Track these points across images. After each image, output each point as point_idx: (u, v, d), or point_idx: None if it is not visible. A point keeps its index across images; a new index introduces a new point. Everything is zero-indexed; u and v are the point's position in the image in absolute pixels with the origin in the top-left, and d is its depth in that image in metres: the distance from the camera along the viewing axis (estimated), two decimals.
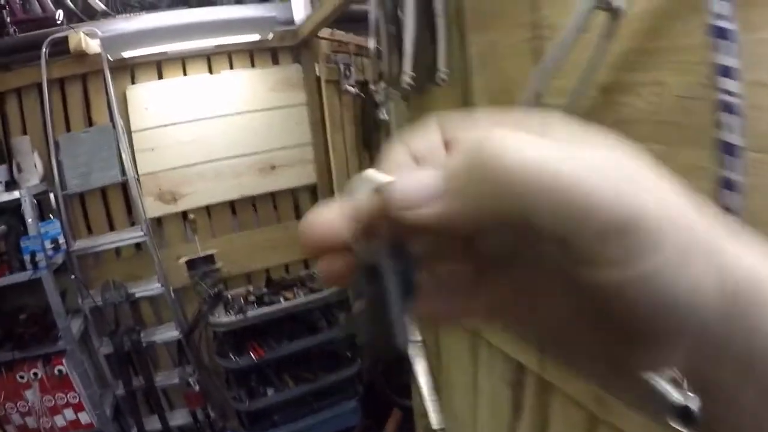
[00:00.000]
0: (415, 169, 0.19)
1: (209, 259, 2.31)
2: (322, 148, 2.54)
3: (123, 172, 2.27)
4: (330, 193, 2.54)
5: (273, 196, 2.55)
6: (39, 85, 2.13)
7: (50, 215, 2.23)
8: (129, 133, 2.30)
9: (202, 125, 2.38)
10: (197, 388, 2.27)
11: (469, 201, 0.16)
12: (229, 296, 2.28)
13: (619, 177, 0.15)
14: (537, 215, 0.15)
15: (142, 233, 2.27)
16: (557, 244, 0.15)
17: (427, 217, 0.17)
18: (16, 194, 1.98)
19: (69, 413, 2.23)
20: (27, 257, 2.04)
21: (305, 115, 2.51)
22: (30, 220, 2.03)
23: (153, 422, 2.38)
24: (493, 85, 0.99)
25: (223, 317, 2.20)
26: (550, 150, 0.16)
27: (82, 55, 2.14)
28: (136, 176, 2.30)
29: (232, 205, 2.49)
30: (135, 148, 2.31)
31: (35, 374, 2.19)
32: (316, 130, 2.52)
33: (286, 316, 2.32)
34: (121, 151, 2.25)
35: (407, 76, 1.04)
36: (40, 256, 2.04)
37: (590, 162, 0.16)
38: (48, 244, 2.10)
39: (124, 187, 2.33)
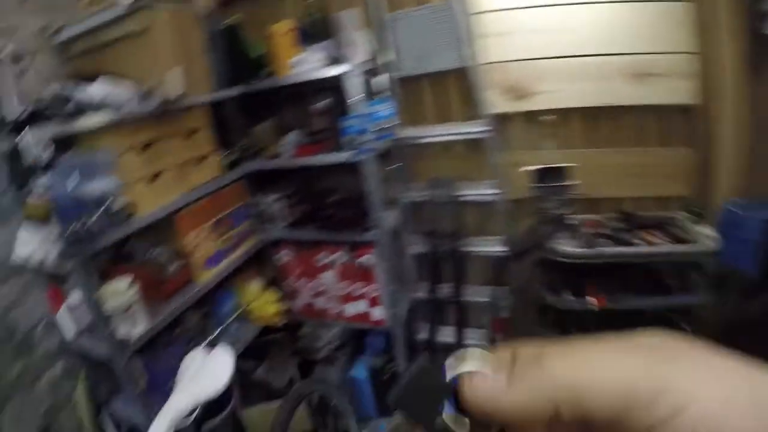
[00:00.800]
0: (499, 369, 0.24)
1: (559, 172, 1.82)
2: (706, 61, 1.81)
3: (463, 57, 1.92)
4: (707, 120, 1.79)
5: (638, 111, 1.90)
6: None
7: (377, 97, 1.92)
8: (470, 14, 1.90)
9: (560, 12, 1.88)
10: (506, 314, 1.92)
11: (527, 397, 0.22)
12: (575, 223, 1.79)
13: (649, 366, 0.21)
14: (589, 406, 0.21)
15: (481, 129, 1.86)
16: (609, 425, 0.21)
17: (490, 407, 0.23)
18: (340, 70, 1.77)
19: (362, 305, 2.08)
20: (349, 138, 1.80)
21: (686, 14, 1.80)
22: (356, 98, 1.80)
23: (446, 335, 2.17)
24: None
25: (568, 246, 1.73)
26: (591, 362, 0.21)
27: None
28: (478, 64, 1.90)
29: (588, 114, 1.93)
30: (477, 32, 1.92)
31: (337, 259, 2.03)
32: (702, 36, 1.79)
33: (638, 263, 1.77)
34: (461, 35, 1.90)
35: None
36: (364, 138, 1.75)
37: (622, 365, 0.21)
38: (376, 126, 1.79)
39: (462, 75, 1.97)
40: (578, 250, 1.72)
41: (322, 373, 2.19)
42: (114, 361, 1.57)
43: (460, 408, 0.24)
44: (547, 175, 1.90)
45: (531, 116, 1.97)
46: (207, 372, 1.20)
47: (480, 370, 0.24)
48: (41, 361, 1.85)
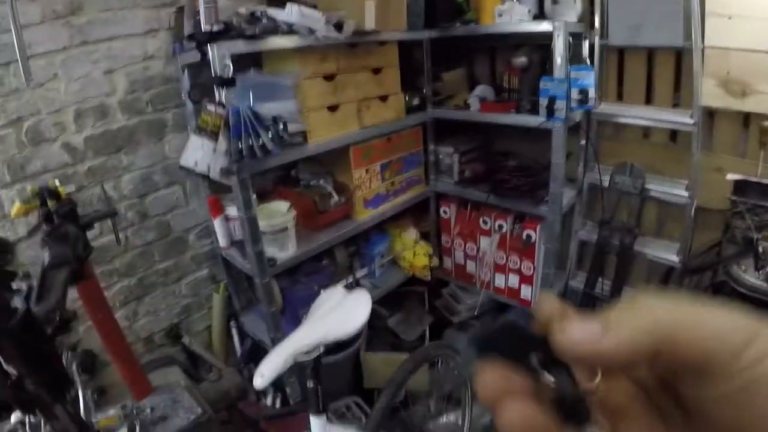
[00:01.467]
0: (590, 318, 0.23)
1: (766, 190, 1.55)
2: None
3: (683, 35, 1.67)
4: None
5: None
6: None
7: (580, 63, 1.74)
8: None
9: None
10: None
11: (628, 334, 0.22)
12: (761, 249, 1.54)
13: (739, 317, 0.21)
14: (683, 345, 0.21)
15: (686, 121, 1.62)
16: (695, 371, 0.21)
17: (595, 349, 0.22)
18: (547, 27, 1.61)
19: (513, 280, 1.97)
20: (543, 101, 1.63)
21: None
22: (560, 60, 1.63)
23: None
24: None
25: (751, 277, 1.50)
26: (686, 306, 0.22)
27: None
28: (701, 46, 1.64)
29: None
30: (707, 9, 1.65)
31: (500, 227, 1.92)
32: None
33: None
34: (687, 9, 1.63)
35: None
36: (560, 104, 1.61)
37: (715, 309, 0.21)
38: (575, 94, 1.61)
39: (677, 55, 1.74)
40: (764, 284, 1.48)
41: (453, 338, 2.13)
42: (256, 278, 1.59)
43: (546, 362, 0.23)
44: (750, 189, 1.63)
45: (748, 118, 1.69)
46: (341, 313, 1.15)
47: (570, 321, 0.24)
48: (189, 263, 1.93)
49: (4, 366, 0.56)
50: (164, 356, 1.84)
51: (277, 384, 1.96)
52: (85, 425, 0.66)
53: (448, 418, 2.06)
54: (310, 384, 1.08)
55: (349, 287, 1.87)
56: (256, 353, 1.97)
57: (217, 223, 1.76)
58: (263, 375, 0.97)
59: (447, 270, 2.22)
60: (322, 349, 1.07)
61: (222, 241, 1.78)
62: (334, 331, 1.08)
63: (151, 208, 1.78)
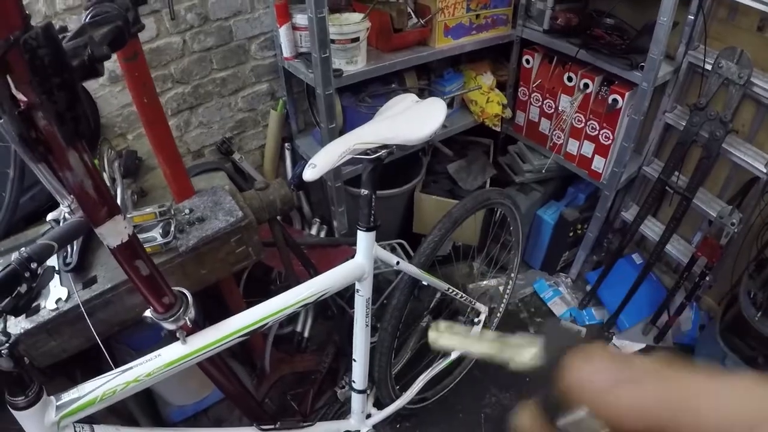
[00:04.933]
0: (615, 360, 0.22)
1: None
2: None
3: None
4: None
5: None
6: None
7: None
8: None
9: None
10: (724, 241, 1.62)
11: (647, 398, 0.20)
12: None
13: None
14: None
15: None
16: None
17: (595, 396, 0.21)
18: None
19: (587, 147, 1.83)
20: None
21: None
22: None
23: (650, 228, 1.92)
24: None
25: None
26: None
27: None
28: None
29: None
30: None
31: (586, 86, 1.74)
32: None
33: None
34: None
35: None
36: None
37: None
38: None
39: None
40: None
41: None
42: (319, 88, 1.50)
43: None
44: None
45: None
46: (412, 116, 1.02)
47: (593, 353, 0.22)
48: (249, 75, 1.84)
49: (14, 91, 0.47)
50: (211, 161, 1.85)
51: (325, 216, 1.98)
52: (103, 182, 0.57)
53: (490, 282, 2.09)
54: (364, 190, 0.99)
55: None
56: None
57: (283, 31, 1.63)
58: (315, 165, 0.87)
59: (518, 126, 2.07)
60: (385, 153, 0.96)
61: (286, 51, 1.66)
62: (402, 134, 0.97)
63: (213, 10, 1.64)
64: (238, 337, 0.84)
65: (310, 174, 0.87)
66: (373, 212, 1.00)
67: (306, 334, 1.85)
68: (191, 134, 1.82)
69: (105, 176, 1.24)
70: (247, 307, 0.88)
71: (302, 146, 1.93)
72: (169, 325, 0.77)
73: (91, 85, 1.52)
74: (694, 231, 1.91)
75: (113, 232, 0.61)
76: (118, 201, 1.17)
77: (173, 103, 1.72)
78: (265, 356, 1.63)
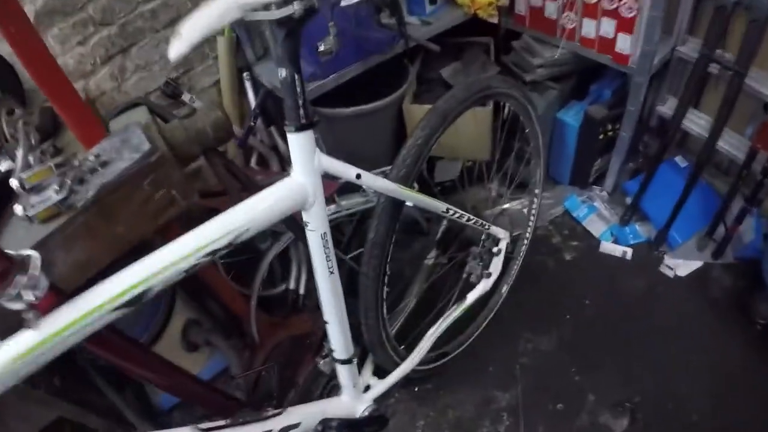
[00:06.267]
0: None
1: None
2: None
3: None
4: None
5: None
6: None
7: None
8: None
9: None
10: None
11: None
12: None
13: None
14: None
15: None
16: None
17: None
18: None
19: (607, 26, 1.43)
20: None
21: None
22: None
23: (694, 122, 1.53)
24: None
25: None
26: None
27: None
28: None
29: None
30: None
31: None
32: None
33: None
34: None
35: None
36: None
37: None
38: None
39: None
40: None
41: None
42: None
43: None
44: None
45: None
46: None
47: None
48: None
49: None
50: (131, 99, 1.56)
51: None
52: None
53: (513, 204, 1.76)
54: (282, 71, 0.66)
55: None
56: (272, 107, 1.65)
57: None
58: (180, 35, 0.56)
59: (520, 16, 1.66)
60: (298, 6, 0.59)
61: None
62: None
63: None
64: (113, 310, 0.57)
65: (175, 50, 0.56)
66: (301, 102, 0.68)
67: (302, 291, 1.60)
68: (130, 81, 1.55)
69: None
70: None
71: (263, 74, 1.62)
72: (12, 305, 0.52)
73: (5, 50, 1.27)
74: (746, 123, 1.50)
75: None
76: (18, 163, 0.92)
77: (100, 49, 1.46)
78: (251, 322, 1.39)
